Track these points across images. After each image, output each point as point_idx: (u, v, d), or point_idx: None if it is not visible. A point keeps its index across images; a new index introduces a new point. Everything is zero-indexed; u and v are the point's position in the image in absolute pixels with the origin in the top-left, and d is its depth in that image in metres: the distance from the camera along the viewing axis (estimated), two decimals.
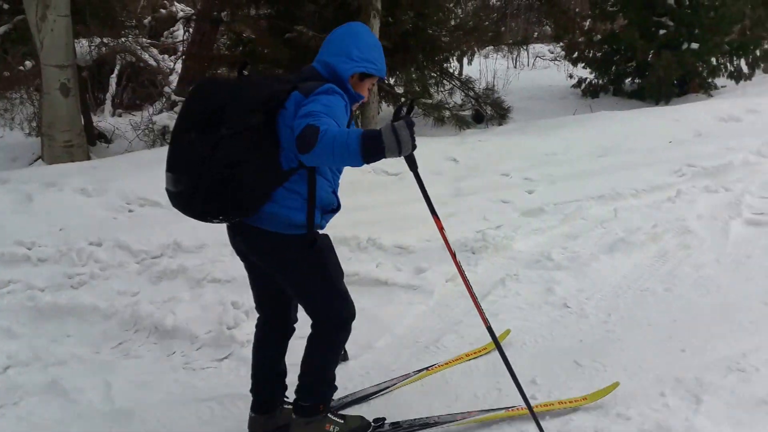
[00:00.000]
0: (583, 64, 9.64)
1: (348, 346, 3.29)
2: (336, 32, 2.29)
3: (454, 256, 2.50)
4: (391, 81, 7.94)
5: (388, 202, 5.20)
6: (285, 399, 2.60)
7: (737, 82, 10.16)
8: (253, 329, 2.69)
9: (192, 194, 2.07)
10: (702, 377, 2.75)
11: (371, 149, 1.86)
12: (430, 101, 7.64)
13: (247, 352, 3.32)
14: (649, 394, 2.69)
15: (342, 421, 2.48)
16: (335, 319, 2.41)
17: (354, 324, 3.49)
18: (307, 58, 7.32)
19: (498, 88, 9.18)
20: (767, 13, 10.19)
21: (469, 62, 10.58)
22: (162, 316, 3.72)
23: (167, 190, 2.17)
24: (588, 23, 9.29)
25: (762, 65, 10.79)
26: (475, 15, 9.97)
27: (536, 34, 13.04)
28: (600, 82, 9.76)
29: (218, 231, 4.76)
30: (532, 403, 2.52)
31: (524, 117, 8.50)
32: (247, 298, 3.87)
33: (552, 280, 3.89)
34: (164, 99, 9.29)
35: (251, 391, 2.57)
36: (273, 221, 2.18)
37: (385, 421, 2.57)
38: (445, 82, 8.19)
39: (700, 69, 9.79)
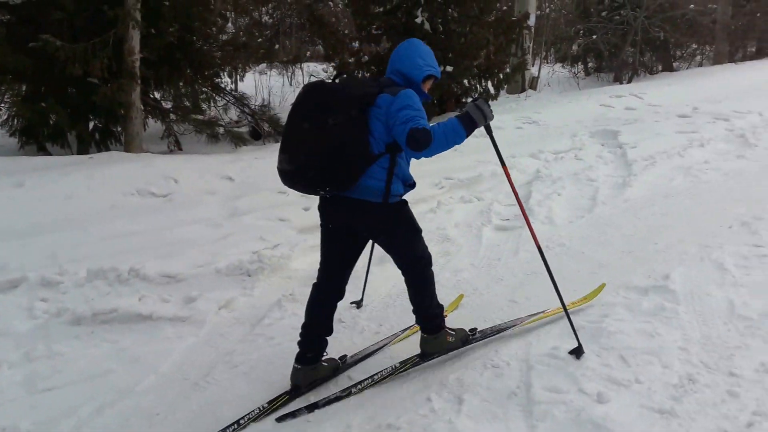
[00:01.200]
0: None
1: (105, 391, 3.04)
2: (401, 48, 2.88)
3: (516, 195, 3.23)
4: (157, 95, 7.44)
5: (154, 227, 4.81)
6: (324, 354, 3.06)
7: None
8: None
9: (305, 170, 2.63)
10: (463, 377, 2.96)
11: (469, 125, 2.64)
12: (202, 117, 7.30)
13: None
14: (417, 401, 2.81)
15: (454, 332, 3.11)
16: (424, 260, 2.99)
17: (112, 367, 3.20)
18: (54, 69, 6.55)
19: (274, 105, 9.13)
20: (507, 40, 11.60)
21: (241, 78, 10.37)
22: None
23: (281, 168, 2.70)
24: (357, 44, 9.69)
25: (506, 87, 12.25)
26: (247, 31, 9.82)
27: (309, 53, 13.31)
28: None
29: None
30: None
31: None
32: None
33: None
34: None
35: (299, 344, 3.00)
36: (368, 192, 2.71)
37: (477, 329, 3.25)
38: (217, 97, 7.90)
39: (456, 90, 10.76)
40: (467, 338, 3.17)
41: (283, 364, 3.22)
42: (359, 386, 2.93)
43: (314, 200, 5.52)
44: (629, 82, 13.48)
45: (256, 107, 8.32)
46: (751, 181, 5.84)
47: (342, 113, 2.60)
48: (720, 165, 6.41)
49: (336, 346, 3.35)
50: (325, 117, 2.58)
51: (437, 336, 3.04)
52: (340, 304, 3.76)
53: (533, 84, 13.52)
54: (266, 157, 6.46)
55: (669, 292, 3.63)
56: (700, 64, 16.03)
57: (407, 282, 3.02)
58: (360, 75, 2.48)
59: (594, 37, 14.05)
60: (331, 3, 11.73)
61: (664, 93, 10.38)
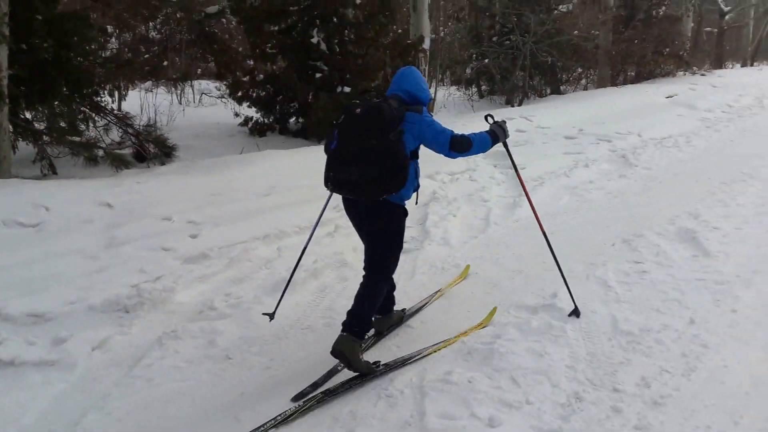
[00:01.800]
0: (248, 103, 9.76)
1: None
2: (406, 73, 3.34)
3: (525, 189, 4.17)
4: (29, 115, 6.84)
5: (21, 260, 4.35)
6: (393, 307, 3.68)
7: None
8: None
9: (367, 178, 3.01)
10: (356, 410, 2.87)
11: (494, 140, 3.35)
12: (79, 139, 6.77)
13: None
14: None
15: (363, 358, 3.20)
16: (387, 273, 3.38)
17: None
18: None
19: (161, 125, 8.67)
20: (404, 62, 11.80)
21: (123, 97, 9.77)
22: None
23: (343, 179, 3.08)
24: (251, 63, 9.45)
25: None
26: (132, 48, 9.30)
27: (200, 70, 12.85)
28: (266, 121, 10.00)
29: None
30: None
31: (191, 155, 8.19)
32: None
33: (214, 332, 3.68)
34: None
35: None
36: (395, 196, 3.14)
37: (380, 362, 3.26)
38: (97, 117, 7.38)
39: None
40: (371, 369, 3.17)
41: (162, 407, 2.98)
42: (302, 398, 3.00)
43: (202, 227, 5.29)
44: (520, 104, 14.07)
45: (141, 127, 7.84)
46: (632, 199, 6.19)
47: (395, 130, 3.04)
48: (603, 184, 6.76)
49: (222, 387, 3.16)
50: (387, 133, 3.01)
51: (354, 341, 3.14)
52: (226, 339, 3.60)
53: (430, 106, 13.82)
54: (149, 181, 6.08)
55: (557, 310, 3.72)
56: (585, 88, 17.00)
57: (363, 281, 3.33)
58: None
59: (486, 61, 14.58)
60: (224, 20, 11.41)
61: (552, 115, 10.89)
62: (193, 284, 4.29)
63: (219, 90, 11.59)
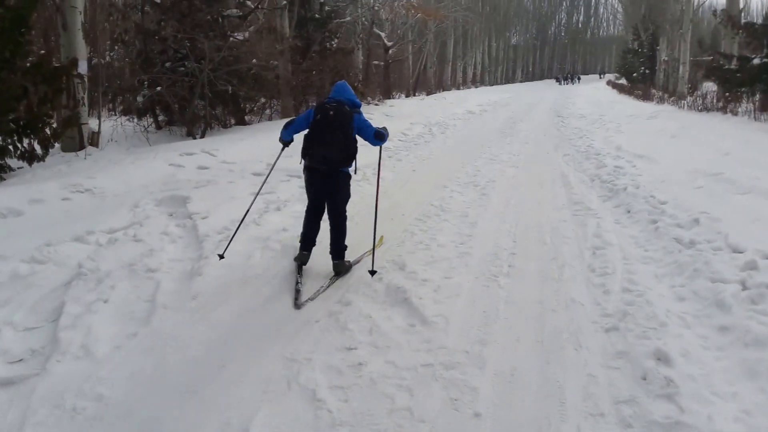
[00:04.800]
0: None
1: None
2: (343, 86, 4.84)
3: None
4: None
5: None
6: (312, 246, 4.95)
7: (30, 163, 9.00)
8: None
9: (339, 157, 4.56)
10: None
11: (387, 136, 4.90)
12: None
13: None
14: None
15: (347, 261, 4.82)
16: (346, 214, 4.83)
17: None
18: None
19: None
20: (53, 89, 9.46)
21: None
22: None
23: (320, 156, 4.54)
24: None
25: (59, 144, 10.01)
26: None
27: None
28: None
29: None
30: None
31: None
32: None
33: None
34: None
35: (301, 242, 4.89)
36: (347, 168, 4.71)
37: (351, 261, 4.90)
38: None
39: None
40: (350, 266, 4.79)
41: None
42: (313, 296, 4.23)
43: None
44: (202, 136, 12.69)
45: None
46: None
47: (351, 127, 4.55)
48: (298, 232, 5.77)
49: None
50: (346, 127, 4.53)
51: (342, 262, 4.72)
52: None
53: (94, 140, 11.51)
54: None
55: None
56: (270, 118, 16.41)
57: (332, 226, 4.77)
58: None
59: (159, 88, 12.82)
60: None
61: (238, 149, 9.83)
62: None
63: None
